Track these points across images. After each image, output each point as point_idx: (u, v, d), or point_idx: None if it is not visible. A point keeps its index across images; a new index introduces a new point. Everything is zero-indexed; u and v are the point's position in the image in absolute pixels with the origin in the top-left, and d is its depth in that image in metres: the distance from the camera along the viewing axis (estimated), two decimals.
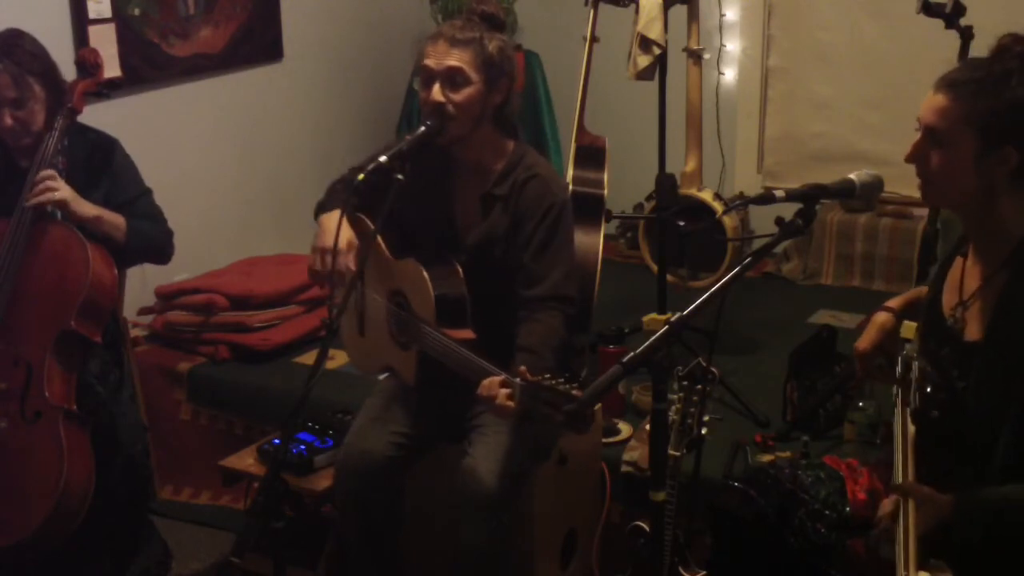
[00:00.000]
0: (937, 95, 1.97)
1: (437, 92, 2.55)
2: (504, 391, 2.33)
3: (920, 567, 1.85)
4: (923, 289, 2.33)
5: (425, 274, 2.58)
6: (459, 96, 2.55)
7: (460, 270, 2.64)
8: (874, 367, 2.27)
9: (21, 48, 2.85)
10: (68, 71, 3.06)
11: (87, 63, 3.02)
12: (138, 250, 2.99)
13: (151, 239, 3.02)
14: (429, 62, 2.58)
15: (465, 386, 2.47)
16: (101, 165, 2.98)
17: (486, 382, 2.37)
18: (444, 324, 2.55)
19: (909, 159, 2.02)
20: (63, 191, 2.80)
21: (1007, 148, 1.94)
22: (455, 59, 2.55)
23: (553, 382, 2.21)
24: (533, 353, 2.45)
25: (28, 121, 2.85)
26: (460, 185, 2.71)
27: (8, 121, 2.82)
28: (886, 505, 1.97)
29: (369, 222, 2.66)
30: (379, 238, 2.69)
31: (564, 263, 2.63)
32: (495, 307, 2.60)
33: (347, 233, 2.60)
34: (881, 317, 2.29)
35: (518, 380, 2.29)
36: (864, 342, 2.26)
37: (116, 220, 2.92)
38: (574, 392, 2.16)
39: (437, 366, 2.57)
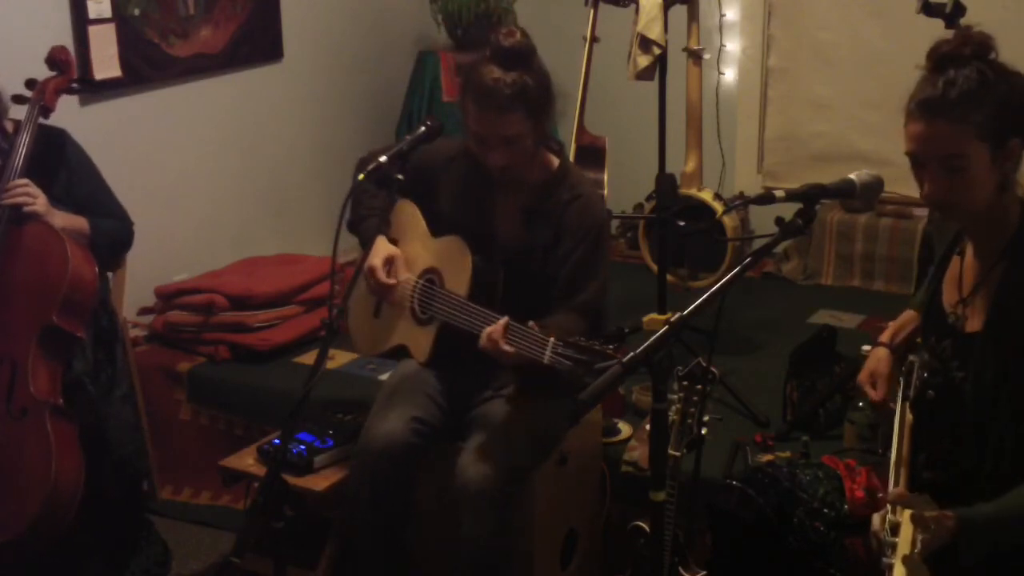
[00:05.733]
0: (933, 123, 1.94)
1: (500, 157, 2.58)
2: (499, 327, 2.42)
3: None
4: (911, 314, 2.34)
5: (467, 247, 2.66)
6: (518, 150, 2.59)
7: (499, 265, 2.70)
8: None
9: None
10: None
11: (58, 60, 3.00)
12: (103, 247, 3.00)
13: (114, 236, 3.06)
14: (480, 130, 2.57)
15: (476, 368, 2.52)
16: (56, 157, 2.98)
17: (488, 329, 2.46)
18: (476, 301, 2.60)
19: (932, 198, 1.98)
20: (40, 202, 2.81)
21: (1013, 140, 1.97)
22: (509, 128, 2.55)
23: (584, 342, 2.26)
24: (545, 327, 2.46)
25: None
26: (502, 196, 2.74)
27: None
28: (876, 521, 1.97)
29: (410, 206, 2.79)
30: (421, 218, 2.80)
31: (598, 278, 2.69)
32: (524, 316, 2.61)
33: (385, 250, 2.72)
34: (880, 352, 2.31)
35: (506, 319, 2.41)
36: (880, 393, 2.25)
37: (80, 227, 2.94)
38: (607, 350, 2.21)
39: (453, 344, 2.60)
